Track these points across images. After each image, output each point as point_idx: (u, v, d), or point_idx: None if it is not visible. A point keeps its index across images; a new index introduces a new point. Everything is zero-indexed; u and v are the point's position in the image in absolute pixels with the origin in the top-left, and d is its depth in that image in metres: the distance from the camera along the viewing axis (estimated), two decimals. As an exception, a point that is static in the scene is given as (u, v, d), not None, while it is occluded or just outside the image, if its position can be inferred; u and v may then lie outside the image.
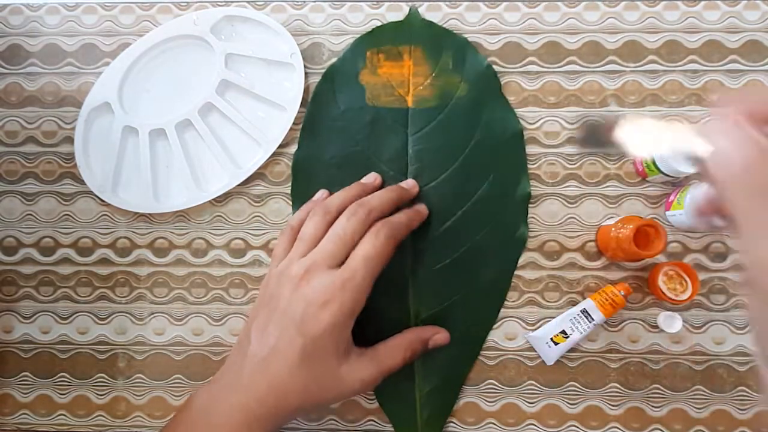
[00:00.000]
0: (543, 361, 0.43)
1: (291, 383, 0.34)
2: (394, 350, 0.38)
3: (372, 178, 0.42)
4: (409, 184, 0.42)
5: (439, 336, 0.41)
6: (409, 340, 0.39)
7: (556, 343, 0.41)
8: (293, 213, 0.45)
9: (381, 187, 0.42)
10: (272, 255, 0.40)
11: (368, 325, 0.42)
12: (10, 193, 0.47)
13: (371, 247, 0.36)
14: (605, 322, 0.43)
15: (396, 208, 0.40)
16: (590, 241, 0.44)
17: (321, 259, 0.36)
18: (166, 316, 0.45)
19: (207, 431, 0.34)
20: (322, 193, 0.43)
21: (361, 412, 0.43)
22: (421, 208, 0.42)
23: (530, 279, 0.44)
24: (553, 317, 0.43)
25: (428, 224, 0.43)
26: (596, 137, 0.33)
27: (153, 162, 0.46)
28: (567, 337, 0.41)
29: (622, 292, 0.40)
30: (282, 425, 0.35)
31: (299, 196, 0.45)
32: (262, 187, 0.46)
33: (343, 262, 0.36)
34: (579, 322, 0.41)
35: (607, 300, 0.40)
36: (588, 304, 0.41)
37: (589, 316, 0.41)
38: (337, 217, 0.38)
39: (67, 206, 0.46)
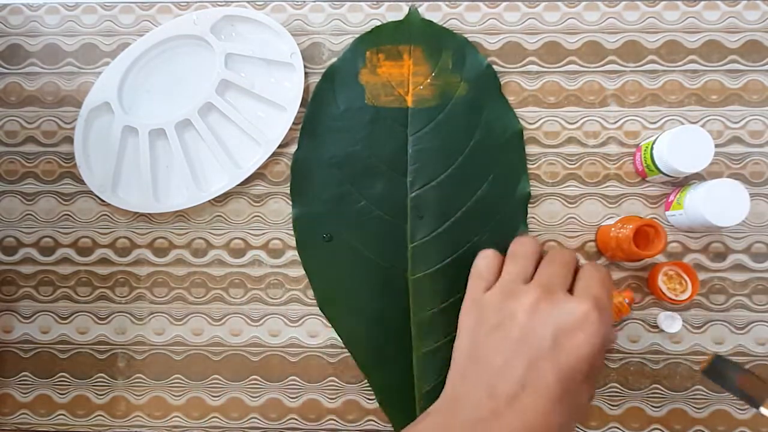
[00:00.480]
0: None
1: (548, 422, 0.29)
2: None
3: None
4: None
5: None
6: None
7: None
8: (293, 213, 0.45)
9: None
10: (471, 274, 0.36)
11: (368, 325, 0.43)
12: (10, 193, 0.47)
13: (601, 272, 0.33)
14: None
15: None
16: (590, 241, 0.44)
17: (555, 280, 0.32)
18: (165, 316, 0.45)
19: None
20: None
21: (361, 412, 0.43)
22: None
23: (530, 279, 0.44)
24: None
25: (428, 224, 0.43)
26: (723, 377, 0.34)
27: (153, 162, 0.46)
28: None
29: (627, 300, 0.40)
30: None
31: (299, 196, 0.45)
32: (262, 187, 0.46)
33: (569, 288, 0.32)
34: None
35: (613, 308, 0.40)
36: None
37: None
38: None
39: (66, 206, 0.46)
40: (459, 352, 0.34)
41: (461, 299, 0.42)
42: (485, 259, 0.36)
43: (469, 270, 0.43)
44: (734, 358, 0.42)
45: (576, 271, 0.34)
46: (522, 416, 0.29)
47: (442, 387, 0.42)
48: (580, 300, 0.30)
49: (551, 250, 0.35)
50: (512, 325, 0.31)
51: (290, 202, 0.45)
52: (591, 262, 0.34)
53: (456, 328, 0.42)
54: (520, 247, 0.34)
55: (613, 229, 0.40)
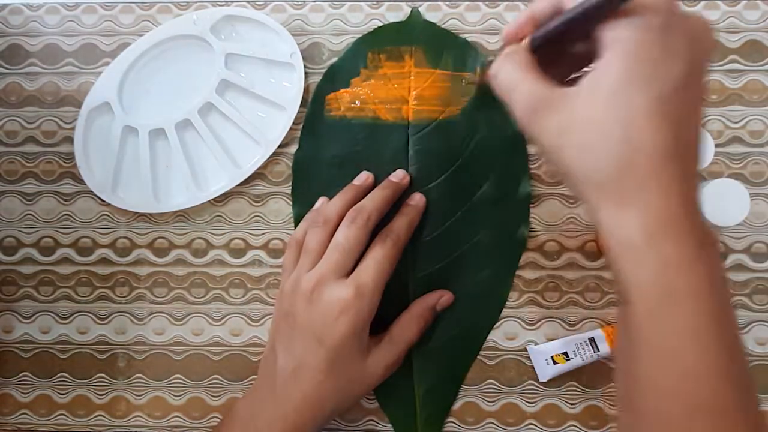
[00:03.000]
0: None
1: (323, 391, 0.36)
2: (406, 326, 0.40)
3: (364, 177, 0.43)
4: (399, 175, 0.42)
5: (444, 299, 0.42)
6: (418, 311, 0.41)
7: (555, 362, 0.41)
8: (293, 213, 0.45)
9: (374, 184, 0.42)
10: (282, 268, 0.41)
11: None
12: (10, 193, 0.47)
13: (379, 255, 0.37)
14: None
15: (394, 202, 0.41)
16: (590, 241, 0.44)
17: (328, 271, 0.37)
18: (166, 316, 0.45)
19: None
20: (322, 201, 0.43)
21: (361, 412, 0.43)
22: (418, 201, 0.42)
23: (530, 279, 0.44)
24: (553, 317, 0.43)
25: (429, 224, 0.43)
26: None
27: (153, 162, 0.46)
28: (568, 360, 0.41)
29: None
30: (321, 428, 0.37)
31: (299, 196, 0.45)
32: (262, 187, 0.46)
33: (350, 271, 0.37)
34: (584, 349, 0.41)
35: None
36: (598, 334, 0.41)
37: (596, 346, 0.41)
38: (337, 225, 0.39)
39: (67, 206, 0.46)
40: (269, 335, 0.40)
41: (462, 298, 0.43)
42: (288, 251, 0.41)
43: (470, 270, 0.43)
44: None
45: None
46: (300, 386, 0.36)
47: (442, 386, 0.43)
48: (346, 288, 0.36)
49: (340, 232, 0.38)
50: (295, 313, 0.37)
51: (290, 202, 0.45)
52: (380, 242, 0.38)
53: (455, 328, 0.43)
54: (309, 242, 0.39)
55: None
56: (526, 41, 0.30)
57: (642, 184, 0.25)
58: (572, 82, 0.27)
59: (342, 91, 0.45)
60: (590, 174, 0.26)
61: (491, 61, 0.31)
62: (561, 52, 0.30)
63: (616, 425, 0.35)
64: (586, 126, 0.26)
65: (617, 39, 0.25)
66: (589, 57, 0.28)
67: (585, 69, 0.31)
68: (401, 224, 0.40)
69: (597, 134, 0.26)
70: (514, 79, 0.28)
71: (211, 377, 0.44)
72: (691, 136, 0.26)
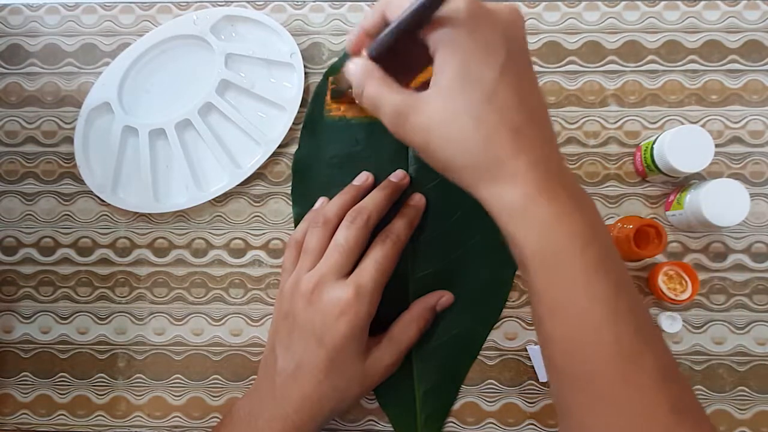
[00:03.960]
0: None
1: (323, 391, 0.36)
2: (406, 326, 0.40)
3: (364, 177, 0.43)
4: (398, 176, 0.42)
5: (444, 299, 0.42)
6: (418, 311, 0.41)
7: None
8: (293, 213, 0.45)
9: (374, 184, 0.42)
10: (281, 269, 0.41)
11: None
12: (10, 193, 0.47)
13: (379, 255, 0.37)
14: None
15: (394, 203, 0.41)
16: (590, 241, 0.44)
17: (328, 272, 0.37)
18: (166, 316, 0.45)
19: None
20: (321, 202, 0.43)
21: (361, 412, 0.43)
22: (417, 202, 0.42)
23: (530, 279, 0.44)
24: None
25: (429, 224, 0.43)
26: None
27: (153, 162, 0.46)
28: None
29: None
30: (321, 428, 0.37)
31: (299, 196, 0.45)
32: (262, 187, 0.46)
33: (350, 271, 0.37)
34: None
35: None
36: None
37: None
38: (337, 225, 0.39)
39: (67, 206, 0.46)
40: (269, 335, 0.40)
41: (462, 299, 0.42)
42: (288, 251, 0.41)
43: (470, 270, 0.43)
44: (734, 358, 0.42)
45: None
46: (300, 387, 0.36)
47: (443, 386, 0.43)
48: (346, 288, 0.36)
49: (340, 232, 0.38)
50: (295, 313, 0.37)
51: (290, 202, 0.45)
52: (379, 242, 0.38)
53: (455, 328, 0.43)
54: (309, 242, 0.39)
55: (613, 229, 0.40)
56: (364, 52, 0.33)
57: (508, 157, 0.28)
58: (426, 86, 0.30)
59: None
60: (460, 160, 0.29)
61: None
62: (404, 55, 0.33)
63: (549, 392, 0.36)
64: (443, 121, 0.29)
65: (440, 43, 0.29)
66: (429, 57, 0.31)
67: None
68: (401, 224, 0.40)
69: (454, 126, 0.29)
70: (377, 96, 0.31)
71: (211, 377, 0.44)
72: (533, 105, 0.30)
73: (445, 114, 0.29)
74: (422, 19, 0.29)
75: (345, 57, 0.45)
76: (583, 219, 0.28)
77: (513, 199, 0.28)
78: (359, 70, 0.32)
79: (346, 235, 0.37)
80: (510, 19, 0.30)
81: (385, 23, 0.31)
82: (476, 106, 0.28)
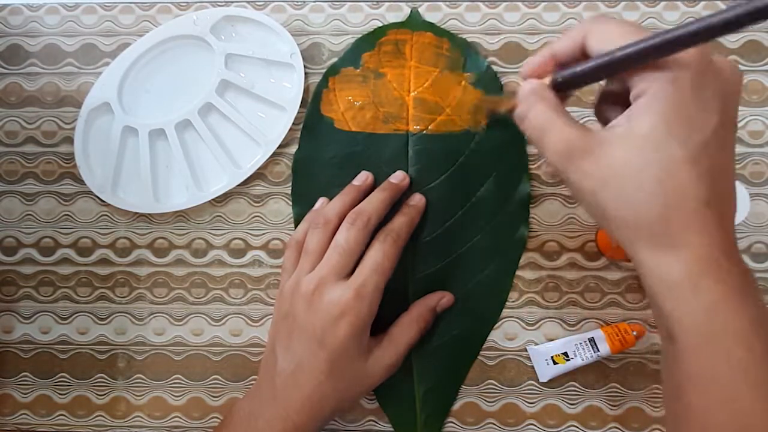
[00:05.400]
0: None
1: (323, 392, 0.36)
2: (406, 327, 0.40)
3: (363, 177, 0.43)
4: (398, 177, 0.42)
5: (444, 300, 0.42)
6: (418, 312, 0.41)
7: (555, 363, 0.41)
8: (293, 213, 0.45)
9: (374, 185, 0.42)
10: (282, 269, 0.41)
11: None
12: (10, 193, 0.47)
13: (379, 255, 0.37)
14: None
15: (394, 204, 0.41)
16: (590, 241, 0.44)
17: (329, 273, 0.37)
18: (166, 316, 0.45)
19: None
20: (322, 202, 0.43)
21: (361, 412, 0.43)
22: (418, 202, 0.42)
23: (530, 279, 0.44)
24: (553, 317, 0.43)
25: (428, 224, 0.43)
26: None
27: (153, 162, 0.46)
28: (568, 360, 0.41)
29: (635, 332, 0.40)
30: (321, 428, 0.37)
31: (299, 196, 0.45)
32: (262, 187, 0.46)
33: (350, 272, 0.37)
34: (584, 349, 0.41)
35: (617, 336, 0.40)
36: (597, 334, 0.41)
37: (596, 346, 0.41)
38: (338, 226, 0.39)
39: (66, 206, 0.46)
40: (269, 335, 0.40)
41: (462, 299, 0.43)
42: (288, 251, 0.41)
43: (470, 270, 0.43)
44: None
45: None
46: (300, 388, 0.36)
47: (442, 387, 0.43)
48: (346, 290, 0.36)
49: (340, 234, 0.38)
50: (295, 315, 0.37)
51: (290, 202, 0.45)
52: (379, 241, 0.38)
53: (455, 328, 0.43)
54: (309, 243, 0.39)
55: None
56: (548, 79, 0.30)
57: (683, 230, 0.26)
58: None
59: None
60: (629, 219, 0.27)
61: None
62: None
63: None
64: (624, 174, 0.27)
65: (651, 90, 0.26)
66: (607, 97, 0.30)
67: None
68: (401, 225, 0.40)
69: (636, 182, 0.26)
70: (546, 122, 0.29)
71: (211, 377, 0.44)
72: (726, 185, 0.28)
73: (630, 165, 0.27)
74: (644, 60, 0.26)
75: (345, 57, 0.45)
76: (751, 310, 0.27)
77: (677, 274, 0.26)
78: (530, 91, 0.30)
79: (346, 237, 0.38)
80: (733, 80, 0.27)
81: (581, 52, 0.29)
82: (672, 166, 0.26)
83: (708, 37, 0.24)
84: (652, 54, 0.26)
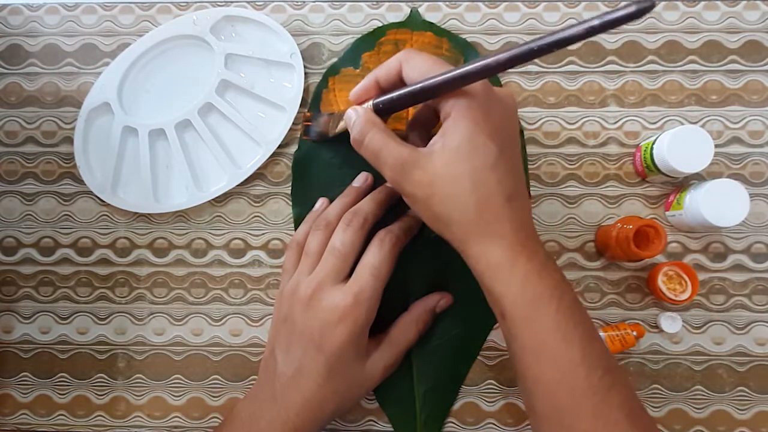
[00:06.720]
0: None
1: (323, 394, 0.36)
2: (405, 328, 0.40)
3: (363, 178, 0.43)
4: None
5: (444, 301, 0.42)
6: (418, 313, 0.41)
7: None
8: (293, 213, 0.45)
9: (374, 185, 0.42)
10: (282, 270, 0.41)
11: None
12: (10, 193, 0.47)
13: (377, 258, 0.37)
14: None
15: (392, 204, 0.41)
16: (590, 241, 0.44)
17: (326, 277, 0.37)
18: (165, 316, 0.45)
19: None
20: (322, 203, 0.43)
21: (361, 412, 0.43)
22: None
23: (530, 279, 0.44)
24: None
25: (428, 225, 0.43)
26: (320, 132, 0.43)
27: (153, 162, 0.46)
28: None
29: (635, 333, 0.40)
30: (322, 429, 0.37)
31: (299, 196, 0.45)
32: (262, 187, 0.46)
33: (348, 275, 0.37)
34: None
35: (618, 336, 0.40)
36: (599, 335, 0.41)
37: None
38: None
39: (66, 206, 0.46)
40: (268, 337, 0.40)
41: (461, 299, 0.42)
42: (288, 252, 0.41)
43: (469, 270, 0.43)
44: (734, 359, 0.42)
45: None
46: (300, 391, 0.36)
47: (442, 387, 0.43)
48: (344, 295, 0.36)
49: (336, 236, 0.38)
50: (294, 318, 0.37)
51: (290, 202, 0.45)
52: (377, 244, 0.38)
53: (455, 328, 0.43)
54: (310, 245, 0.39)
55: (612, 229, 0.40)
56: (369, 104, 0.36)
57: (496, 221, 0.33)
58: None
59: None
60: (456, 216, 0.33)
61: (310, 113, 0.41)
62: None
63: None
64: (447, 179, 0.32)
65: (455, 110, 0.32)
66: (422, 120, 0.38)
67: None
68: (400, 228, 0.40)
69: (455, 186, 0.32)
70: (381, 144, 0.34)
71: (211, 377, 0.44)
72: (520, 183, 0.34)
73: (449, 173, 0.32)
74: (447, 89, 0.32)
75: (345, 57, 0.45)
76: (556, 274, 0.33)
77: (500, 257, 0.33)
78: (362, 119, 0.35)
79: (342, 239, 0.38)
80: (510, 103, 0.35)
81: (400, 79, 0.35)
82: (479, 172, 0.32)
83: (489, 74, 0.31)
84: (452, 84, 0.32)
